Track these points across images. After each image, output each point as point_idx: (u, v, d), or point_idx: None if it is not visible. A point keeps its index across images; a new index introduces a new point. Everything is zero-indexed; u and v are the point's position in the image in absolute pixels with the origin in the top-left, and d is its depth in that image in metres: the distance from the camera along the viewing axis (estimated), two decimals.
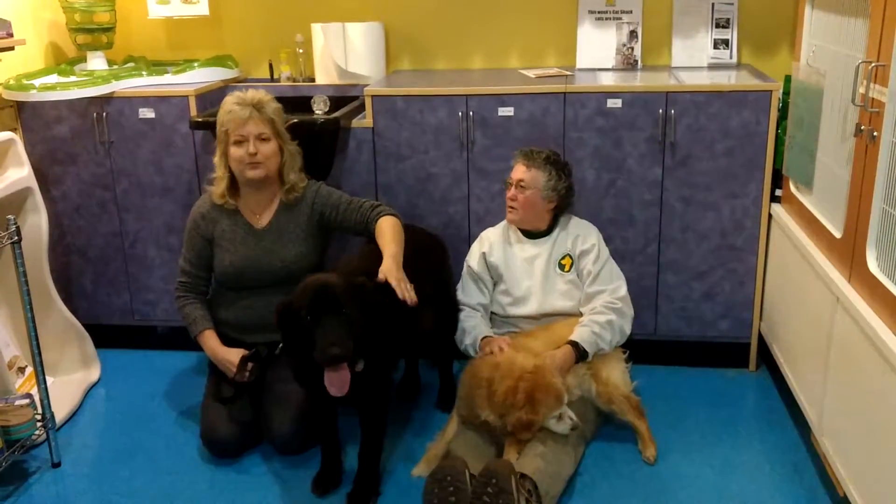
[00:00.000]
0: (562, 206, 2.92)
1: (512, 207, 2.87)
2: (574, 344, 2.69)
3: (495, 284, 2.96)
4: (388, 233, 2.66)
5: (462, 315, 2.90)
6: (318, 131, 3.00)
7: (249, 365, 2.71)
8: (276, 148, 2.74)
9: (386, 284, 2.45)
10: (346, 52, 3.41)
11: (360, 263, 2.62)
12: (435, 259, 2.90)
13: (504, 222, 3.02)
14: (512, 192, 2.85)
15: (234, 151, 2.70)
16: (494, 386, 2.50)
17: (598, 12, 3.44)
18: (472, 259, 2.98)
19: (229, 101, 2.71)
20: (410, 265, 2.59)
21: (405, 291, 2.46)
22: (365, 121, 3.13)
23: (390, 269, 2.50)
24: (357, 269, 2.54)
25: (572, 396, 2.69)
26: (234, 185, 2.79)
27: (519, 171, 2.84)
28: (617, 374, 2.77)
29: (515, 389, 2.45)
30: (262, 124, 2.69)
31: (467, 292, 2.95)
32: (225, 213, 2.80)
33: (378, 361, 2.42)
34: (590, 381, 2.73)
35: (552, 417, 2.47)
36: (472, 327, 2.85)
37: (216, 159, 2.77)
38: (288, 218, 2.80)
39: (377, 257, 2.59)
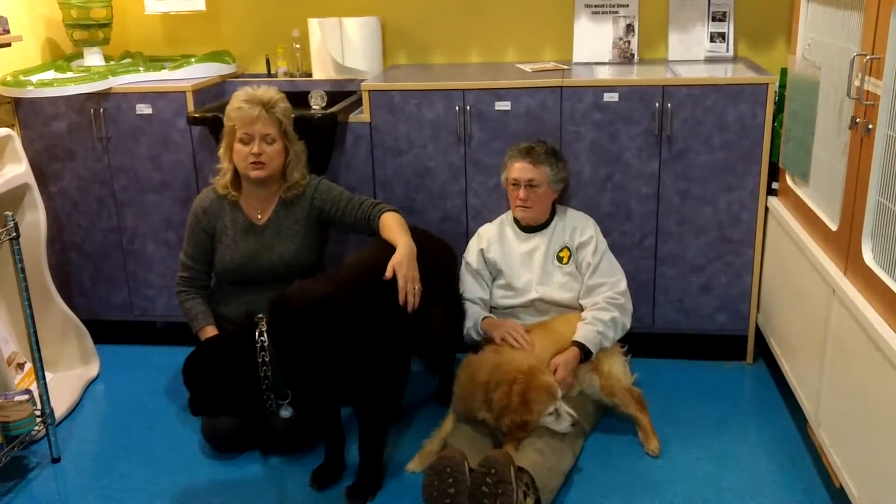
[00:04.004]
0: (560, 195, 2.96)
1: (525, 207, 2.87)
2: (580, 345, 2.71)
3: (494, 279, 2.98)
4: (396, 227, 2.65)
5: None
6: (316, 126, 3.00)
7: None
8: (281, 148, 2.72)
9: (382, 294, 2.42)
10: (342, 47, 3.41)
11: (369, 257, 2.60)
12: (445, 263, 2.87)
13: (501, 217, 3.03)
14: (522, 192, 2.85)
15: (239, 148, 2.69)
16: (491, 390, 2.51)
17: (595, 6, 3.44)
18: (471, 256, 2.99)
19: (240, 97, 2.68)
20: (421, 269, 2.57)
21: (411, 294, 2.45)
22: (362, 116, 3.13)
23: (401, 262, 2.49)
24: (366, 264, 2.53)
25: (572, 393, 2.70)
26: (237, 178, 2.79)
27: (526, 171, 2.84)
28: (618, 367, 2.78)
29: (509, 393, 2.47)
30: (270, 125, 2.68)
31: (467, 287, 2.96)
32: (226, 208, 2.80)
33: (370, 365, 2.38)
34: (592, 375, 2.74)
35: (549, 415, 2.48)
36: (472, 315, 2.87)
37: (221, 151, 2.76)
38: (287, 214, 2.80)
39: (386, 251, 2.58)
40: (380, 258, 2.55)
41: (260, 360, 2.26)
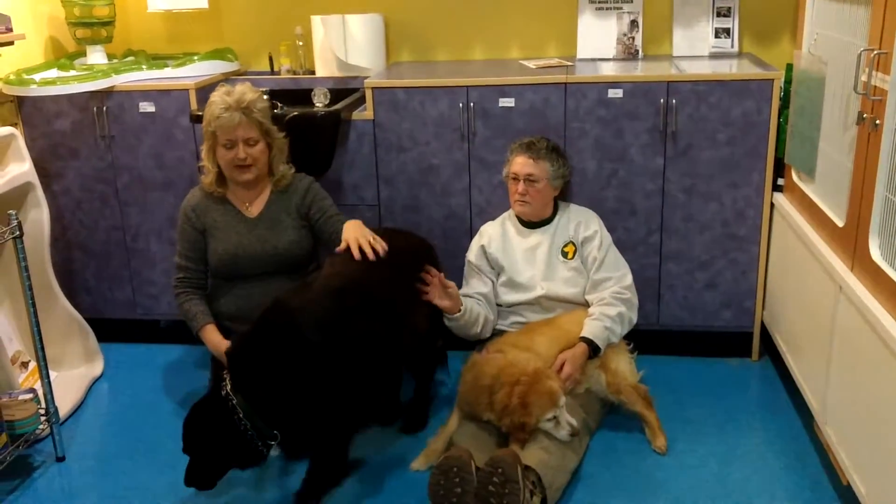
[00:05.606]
0: (563, 192, 2.96)
1: (524, 202, 2.87)
2: (588, 341, 2.70)
3: (498, 275, 2.97)
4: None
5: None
6: (319, 124, 3.00)
7: None
8: (264, 147, 2.75)
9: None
10: (346, 45, 3.41)
11: (343, 268, 2.55)
12: (424, 260, 2.80)
13: (504, 215, 3.02)
14: (521, 187, 2.85)
15: (223, 153, 2.71)
16: (495, 392, 2.51)
17: (599, 2, 3.43)
18: (471, 253, 2.99)
19: (217, 104, 2.68)
20: (400, 270, 2.58)
21: (372, 244, 2.53)
22: (366, 113, 3.12)
23: (350, 232, 2.59)
24: (343, 273, 2.49)
25: (579, 389, 2.70)
26: (221, 176, 2.80)
27: (526, 166, 2.84)
28: (624, 364, 2.78)
29: (511, 393, 2.46)
30: (250, 129, 2.69)
31: (468, 284, 2.95)
32: (215, 203, 2.81)
33: (351, 379, 2.32)
34: (598, 373, 2.73)
35: (548, 421, 2.47)
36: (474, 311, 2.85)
37: (204, 153, 2.78)
38: (280, 207, 2.81)
39: (344, 264, 2.55)
40: (353, 266, 2.51)
41: (236, 418, 2.23)
